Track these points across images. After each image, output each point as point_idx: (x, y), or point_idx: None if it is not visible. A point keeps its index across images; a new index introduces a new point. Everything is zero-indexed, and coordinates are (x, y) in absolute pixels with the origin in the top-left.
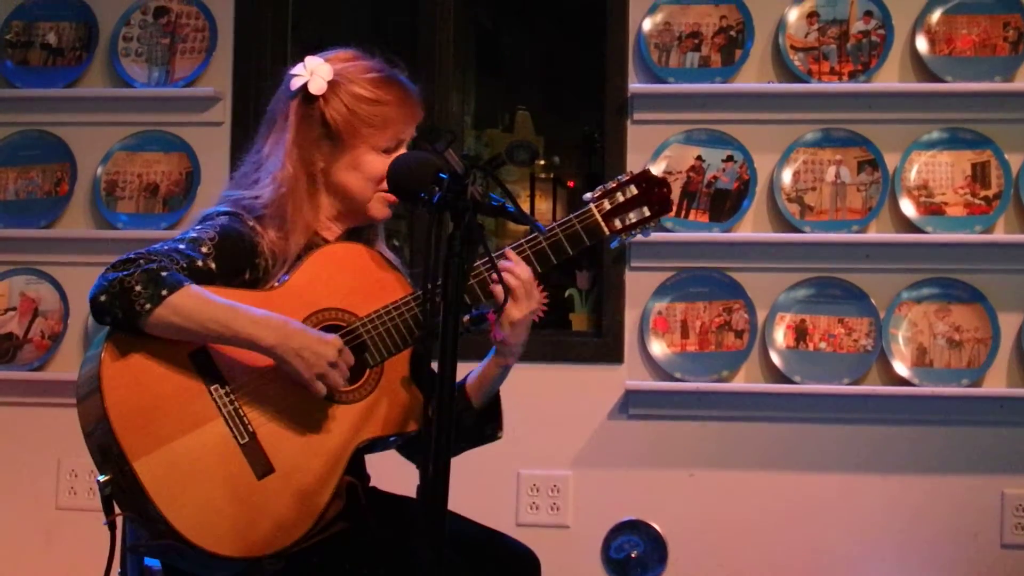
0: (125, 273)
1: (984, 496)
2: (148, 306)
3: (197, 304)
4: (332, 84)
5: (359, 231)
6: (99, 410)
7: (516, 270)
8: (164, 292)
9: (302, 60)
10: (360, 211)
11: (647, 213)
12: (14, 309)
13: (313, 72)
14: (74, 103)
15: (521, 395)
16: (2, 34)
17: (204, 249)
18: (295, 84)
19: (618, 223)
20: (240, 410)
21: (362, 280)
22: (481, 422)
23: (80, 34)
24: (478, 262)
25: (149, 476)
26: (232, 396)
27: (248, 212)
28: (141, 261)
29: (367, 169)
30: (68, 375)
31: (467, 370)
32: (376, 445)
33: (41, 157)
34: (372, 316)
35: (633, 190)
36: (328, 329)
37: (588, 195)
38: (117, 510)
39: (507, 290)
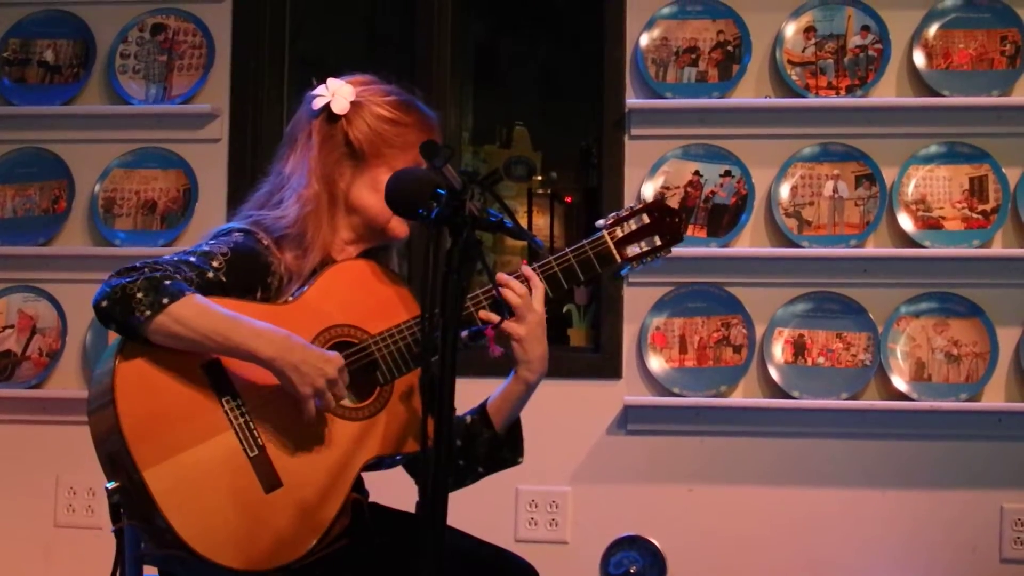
0: (128, 280)
1: (983, 510)
2: (148, 313)
3: (197, 314)
4: (355, 105)
5: (374, 253)
6: (111, 419)
7: (514, 285)
8: (165, 300)
9: (321, 80)
10: (379, 230)
11: (658, 243)
12: (12, 326)
13: (335, 93)
14: (71, 120)
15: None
16: None
17: (215, 263)
18: (317, 104)
19: (630, 251)
20: (250, 423)
21: (375, 298)
22: (499, 446)
23: (77, 51)
24: (481, 290)
25: (158, 485)
26: (243, 409)
27: (268, 231)
28: (146, 269)
29: None
30: (66, 392)
31: (465, 386)
32: (382, 463)
33: (39, 174)
34: (384, 334)
35: (645, 219)
36: (340, 345)
37: (601, 222)
38: (123, 518)
39: (508, 307)
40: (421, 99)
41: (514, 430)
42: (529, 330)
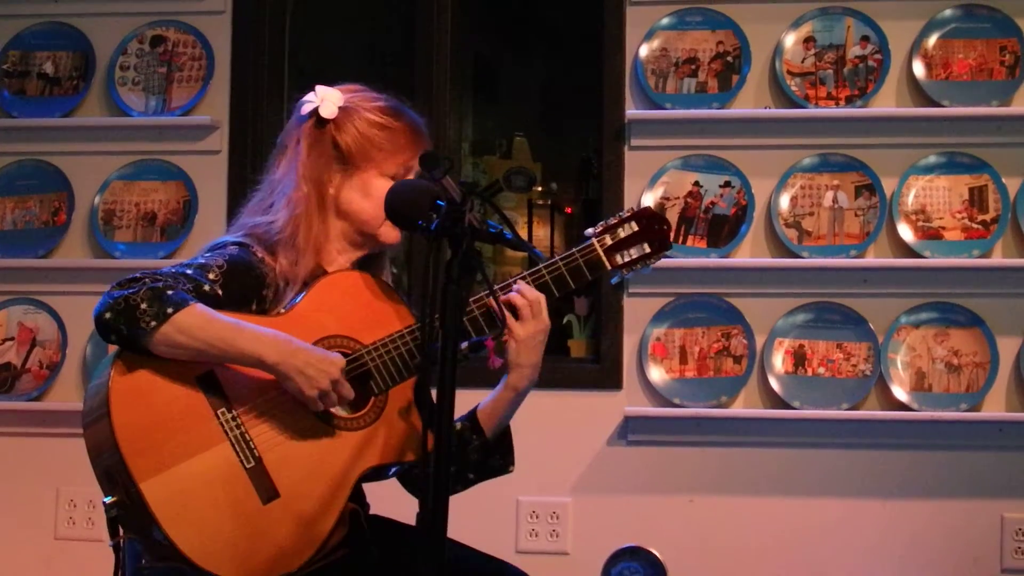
0: (131, 291)
1: (983, 520)
2: (153, 324)
3: (201, 323)
4: (344, 110)
5: (367, 262)
6: (107, 432)
7: (524, 290)
8: (169, 310)
9: (312, 88)
10: (371, 236)
11: (647, 250)
12: (12, 339)
13: (324, 98)
14: (71, 132)
15: (520, 421)
16: None
17: (211, 275)
18: (306, 109)
19: (619, 258)
20: (246, 434)
21: (367, 308)
22: (489, 453)
23: (77, 63)
24: (480, 293)
25: (155, 498)
26: (238, 420)
27: (261, 240)
28: (147, 280)
29: (377, 194)
30: (67, 405)
31: (464, 397)
32: (379, 473)
33: (38, 187)
34: (377, 344)
35: (634, 226)
36: None
37: (590, 230)
38: (121, 532)
39: (512, 310)
40: (410, 107)
41: (504, 437)
42: (528, 334)
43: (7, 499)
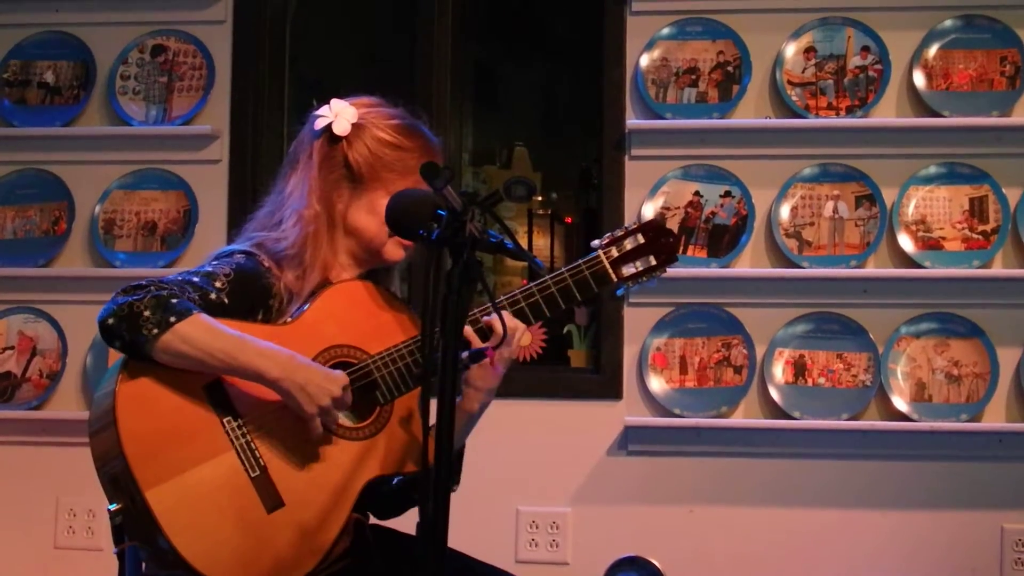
0: (135, 297)
1: (983, 531)
2: (155, 331)
3: (204, 333)
4: (356, 127)
5: (374, 274)
6: (114, 440)
7: (504, 319)
8: (172, 319)
9: (325, 101)
10: (376, 254)
11: (653, 262)
12: (12, 348)
13: (338, 114)
14: (72, 141)
15: (520, 431)
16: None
17: (218, 284)
18: (319, 124)
19: (625, 271)
20: (252, 443)
21: (374, 318)
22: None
23: (78, 73)
24: (475, 309)
25: (160, 506)
26: (244, 429)
27: (268, 252)
28: (152, 287)
29: (383, 213)
30: (67, 414)
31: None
32: (382, 483)
33: (39, 196)
34: (383, 354)
35: (640, 238)
36: (339, 366)
37: (596, 242)
38: (126, 540)
39: (491, 335)
40: (426, 124)
41: (457, 459)
42: (503, 360)
43: (7, 508)
